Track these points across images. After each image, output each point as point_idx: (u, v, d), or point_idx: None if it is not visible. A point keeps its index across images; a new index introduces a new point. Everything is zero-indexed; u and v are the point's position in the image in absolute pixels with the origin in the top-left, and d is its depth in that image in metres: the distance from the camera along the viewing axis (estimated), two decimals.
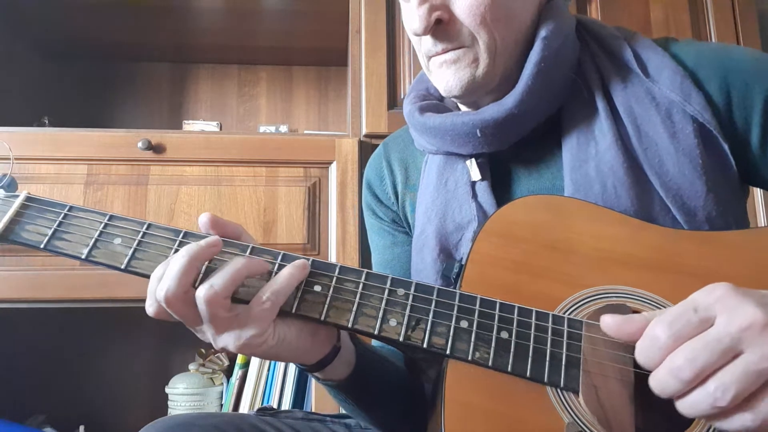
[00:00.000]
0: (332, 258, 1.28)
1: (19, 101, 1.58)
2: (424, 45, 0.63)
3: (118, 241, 0.52)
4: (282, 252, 0.53)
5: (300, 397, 1.32)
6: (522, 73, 0.61)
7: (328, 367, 0.57)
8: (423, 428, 0.59)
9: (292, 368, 1.34)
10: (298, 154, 1.31)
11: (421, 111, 0.69)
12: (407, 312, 0.49)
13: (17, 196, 0.54)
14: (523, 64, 0.62)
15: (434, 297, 0.50)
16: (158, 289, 0.48)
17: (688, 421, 0.43)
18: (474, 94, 0.64)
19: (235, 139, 1.30)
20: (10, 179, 0.55)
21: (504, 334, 0.48)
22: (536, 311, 0.49)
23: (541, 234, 0.53)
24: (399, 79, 1.39)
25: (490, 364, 0.47)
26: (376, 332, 0.49)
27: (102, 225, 0.53)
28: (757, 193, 1.44)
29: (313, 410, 1.21)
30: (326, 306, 0.50)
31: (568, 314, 0.49)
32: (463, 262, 0.54)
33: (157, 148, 1.27)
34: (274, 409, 0.71)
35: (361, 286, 0.51)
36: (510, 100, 0.61)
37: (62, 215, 0.53)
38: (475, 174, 0.66)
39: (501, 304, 0.49)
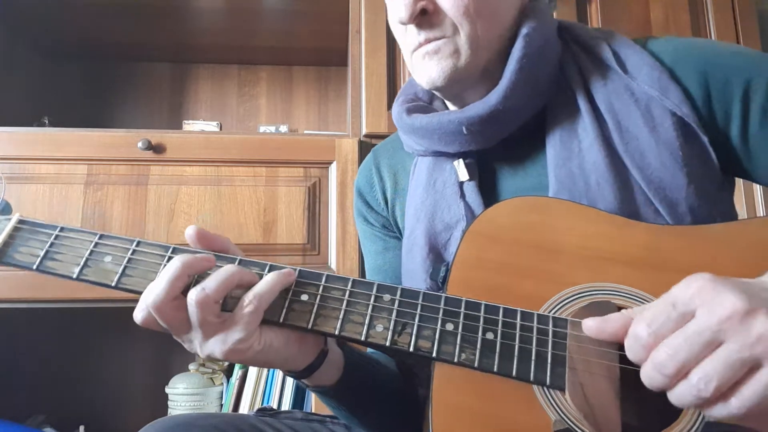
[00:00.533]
0: (332, 258, 1.28)
1: (19, 101, 1.58)
2: (408, 37, 0.64)
3: (108, 259, 0.53)
4: (269, 263, 0.53)
5: (300, 398, 1.32)
6: (505, 70, 0.62)
7: (316, 373, 0.57)
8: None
9: None
10: (298, 154, 1.31)
11: (408, 112, 0.70)
12: (393, 317, 0.50)
13: (10, 219, 0.55)
14: (506, 60, 0.63)
15: (420, 301, 0.51)
16: (148, 292, 0.49)
17: (675, 416, 0.44)
18: (456, 85, 0.64)
19: (235, 139, 1.30)
20: (4, 203, 0.57)
21: (489, 335, 0.48)
22: (521, 311, 0.49)
23: (525, 234, 0.53)
24: (399, 79, 1.39)
25: (476, 365, 0.47)
26: (363, 338, 0.50)
27: (92, 244, 0.53)
28: (757, 190, 1.44)
29: (313, 411, 1.21)
30: (313, 314, 0.51)
31: (554, 312, 0.49)
32: (449, 265, 0.54)
33: (157, 148, 1.27)
34: (273, 409, 0.71)
35: (347, 293, 0.52)
36: (494, 96, 0.62)
37: (53, 236, 0.54)
38: (463, 174, 0.66)
39: (486, 305, 0.50)
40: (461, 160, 0.67)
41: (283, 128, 1.81)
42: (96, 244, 0.53)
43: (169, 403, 1.44)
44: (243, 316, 0.49)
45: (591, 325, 0.46)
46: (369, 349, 0.72)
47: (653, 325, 0.41)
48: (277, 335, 0.52)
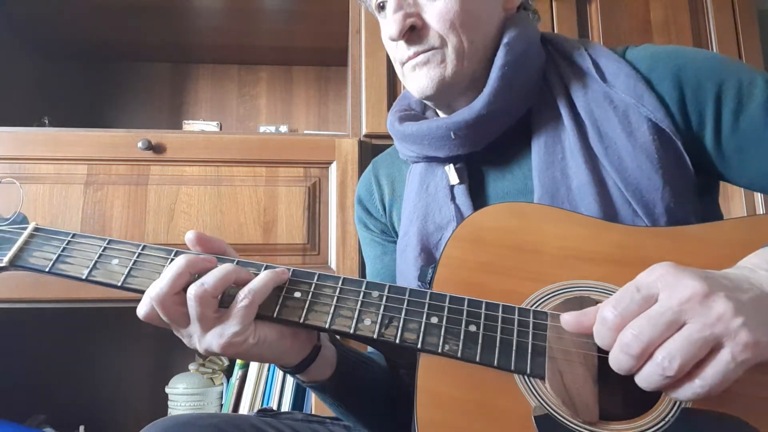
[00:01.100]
0: (332, 258, 1.28)
1: (19, 101, 1.58)
2: (399, 52, 0.68)
3: (115, 261, 0.57)
4: (265, 264, 0.57)
5: (300, 399, 1.32)
6: (489, 77, 0.66)
7: (309, 368, 0.60)
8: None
9: None
10: (298, 154, 1.31)
11: (400, 121, 0.75)
12: (381, 311, 0.53)
13: (26, 227, 0.60)
14: (491, 69, 0.66)
15: (406, 297, 0.54)
16: (152, 287, 0.52)
17: (653, 402, 0.46)
18: (445, 93, 0.68)
19: (235, 139, 1.30)
20: (22, 216, 0.62)
21: (472, 327, 0.51)
22: (503, 305, 0.52)
23: (507, 237, 0.56)
24: (399, 79, 1.38)
25: (459, 355, 0.50)
26: (351, 331, 0.53)
27: (101, 248, 0.58)
28: (757, 192, 1.44)
29: (313, 412, 1.21)
30: (305, 310, 0.54)
31: (535, 308, 0.52)
32: (435, 266, 0.57)
33: (157, 148, 1.27)
34: (274, 410, 0.72)
35: (338, 290, 0.55)
36: (478, 102, 0.66)
37: (66, 242, 0.59)
38: (453, 178, 0.70)
39: (469, 300, 0.53)
40: (452, 165, 0.71)
41: (283, 128, 1.81)
42: (104, 248, 0.58)
43: (169, 403, 1.44)
44: (238, 311, 0.52)
45: (568, 320, 0.48)
46: (369, 349, 0.74)
47: (618, 307, 0.43)
48: (271, 330, 0.55)
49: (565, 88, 0.68)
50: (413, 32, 0.65)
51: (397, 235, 0.80)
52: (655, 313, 0.41)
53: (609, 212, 0.60)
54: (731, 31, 1.50)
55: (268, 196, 1.29)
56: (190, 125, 1.80)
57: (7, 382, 1.52)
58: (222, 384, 1.46)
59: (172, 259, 0.56)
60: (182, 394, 1.41)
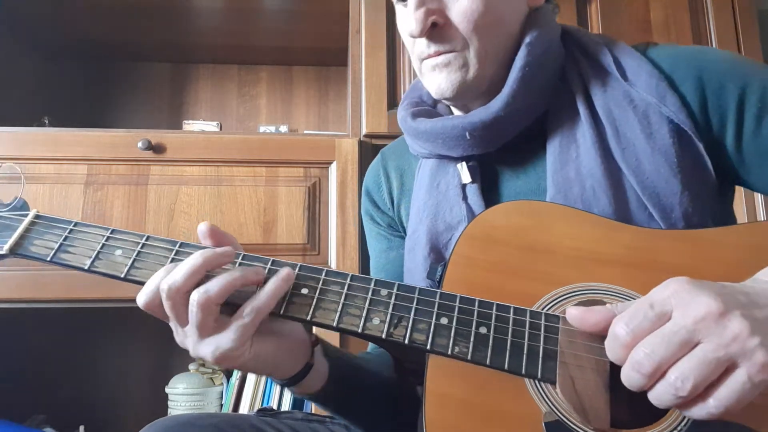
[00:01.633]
0: (332, 258, 1.28)
1: (19, 101, 1.58)
2: (417, 47, 0.66)
3: (118, 252, 0.56)
4: (271, 259, 0.55)
5: (300, 398, 1.32)
6: (508, 78, 0.64)
7: (301, 382, 0.59)
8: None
9: None
10: (298, 154, 1.31)
11: (413, 116, 0.72)
12: (390, 311, 0.52)
13: (27, 214, 0.59)
14: (510, 68, 0.64)
15: (416, 296, 0.52)
16: (165, 279, 0.50)
17: (664, 411, 0.45)
18: (464, 96, 0.66)
19: (235, 139, 1.30)
20: (22, 201, 0.60)
21: (483, 330, 0.50)
22: (514, 307, 0.51)
23: (519, 236, 0.55)
24: (399, 79, 1.39)
25: (469, 357, 0.49)
26: (359, 330, 0.51)
27: (104, 238, 0.56)
28: (758, 194, 1.44)
29: (313, 411, 1.21)
30: (312, 307, 0.53)
31: (546, 310, 0.51)
32: (445, 265, 0.56)
33: (157, 148, 1.27)
34: (274, 410, 0.72)
35: (346, 287, 0.53)
36: (497, 103, 0.64)
37: (68, 230, 0.57)
38: (466, 177, 0.68)
39: (480, 301, 0.51)
40: (464, 163, 0.68)
41: (283, 128, 1.81)
42: (108, 238, 0.56)
43: (169, 403, 1.44)
44: (239, 327, 0.50)
45: (575, 314, 0.47)
46: (367, 357, 0.72)
47: (631, 324, 0.42)
48: (267, 346, 0.53)
49: (584, 85, 0.66)
50: (435, 29, 0.62)
51: (403, 230, 0.79)
52: (668, 332, 0.40)
53: (623, 215, 0.59)
54: (731, 31, 1.50)
55: (268, 196, 1.29)
56: (190, 125, 1.80)
57: (7, 382, 1.52)
58: (222, 384, 1.46)
59: (177, 251, 0.55)
60: (182, 394, 1.41)
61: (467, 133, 0.65)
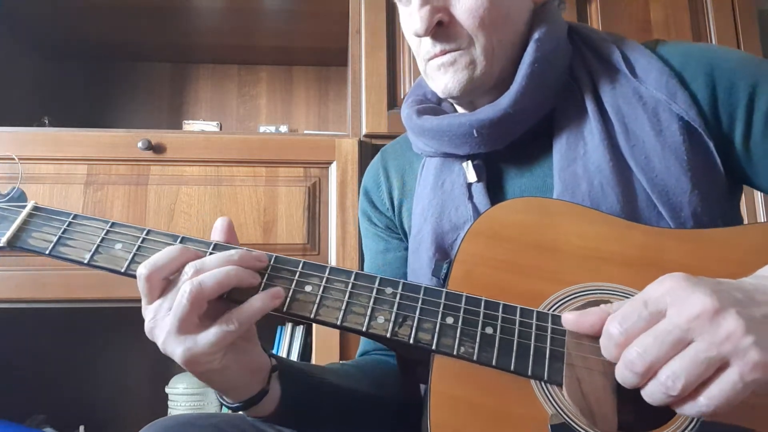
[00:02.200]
0: (332, 258, 1.28)
1: (19, 101, 1.58)
2: (423, 47, 0.65)
3: (119, 246, 0.54)
4: (274, 255, 0.54)
5: None
6: (516, 75, 0.63)
7: (252, 408, 0.56)
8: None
9: None
10: (298, 154, 1.31)
11: (418, 114, 0.70)
12: (395, 309, 0.51)
13: (25, 206, 0.57)
14: (518, 65, 0.63)
15: (421, 295, 0.52)
16: (193, 263, 0.49)
17: (673, 413, 0.44)
18: (471, 94, 0.65)
19: (235, 139, 1.30)
20: (20, 191, 0.59)
21: (489, 330, 0.49)
22: (521, 308, 0.50)
23: (526, 234, 0.54)
24: (399, 79, 1.39)
25: (474, 358, 0.48)
26: (364, 329, 0.50)
27: (104, 231, 0.55)
28: (758, 192, 1.44)
29: None
30: (316, 305, 0.52)
31: (553, 310, 0.50)
32: (451, 263, 0.55)
33: (157, 148, 1.27)
34: None
35: (350, 285, 0.52)
36: (505, 100, 0.63)
37: (67, 223, 0.56)
38: (471, 176, 0.67)
39: (486, 301, 0.51)
40: (470, 162, 0.67)
41: (283, 128, 1.81)
42: (107, 231, 0.55)
43: (169, 403, 1.44)
44: (220, 332, 0.48)
45: (570, 319, 0.47)
46: (345, 371, 0.70)
47: (624, 323, 0.42)
48: (235, 362, 0.51)
49: (593, 82, 0.65)
50: (440, 28, 0.61)
51: (403, 232, 0.78)
52: (661, 331, 0.40)
53: (632, 213, 0.58)
54: (731, 31, 1.50)
55: (268, 196, 1.28)
56: (190, 125, 1.79)
57: (7, 382, 1.52)
58: None
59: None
60: (182, 394, 1.41)
61: (475, 131, 0.64)
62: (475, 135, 0.64)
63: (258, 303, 0.50)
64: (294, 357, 1.36)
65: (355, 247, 1.28)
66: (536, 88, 0.63)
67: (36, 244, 0.55)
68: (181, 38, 1.72)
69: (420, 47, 0.65)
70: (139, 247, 0.54)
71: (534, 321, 0.49)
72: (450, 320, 0.50)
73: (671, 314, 0.40)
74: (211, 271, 0.49)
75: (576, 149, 0.63)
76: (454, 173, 0.69)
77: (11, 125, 1.27)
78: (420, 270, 0.68)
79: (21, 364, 1.57)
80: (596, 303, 0.49)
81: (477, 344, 0.49)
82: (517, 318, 0.50)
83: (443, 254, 0.66)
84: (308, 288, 0.52)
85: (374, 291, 0.52)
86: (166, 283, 0.50)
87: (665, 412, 0.44)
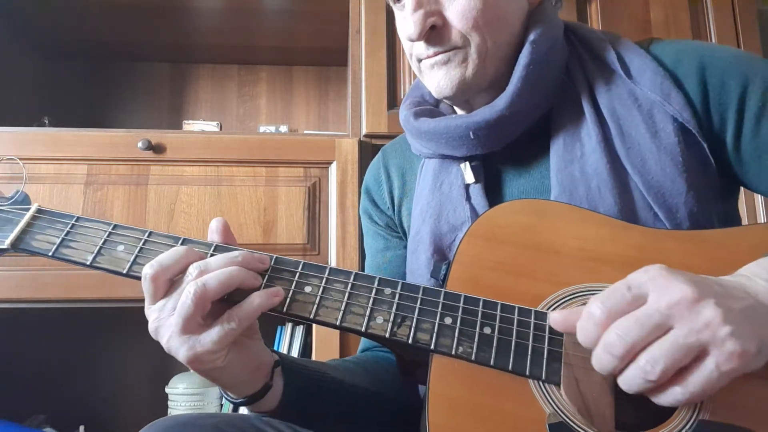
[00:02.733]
0: (332, 258, 1.28)
1: (19, 101, 1.58)
2: (416, 49, 0.65)
3: (121, 248, 0.55)
4: (275, 256, 0.55)
5: None
6: (512, 76, 0.63)
7: (256, 403, 0.57)
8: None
9: None
10: (298, 154, 1.31)
11: (416, 116, 0.71)
12: (393, 310, 0.52)
13: (29, 208, 0.58)
14: (514, 65, 0.64)
15: (420, 295, 0.52)
16: (197, 264, 0.49)
17: (670, 413, 0.45)
18: (465, 94, 0.65)
19: (235, 139, 1.30)
20: (24, 194, 0.60)
21: (487, 330, 0.50)
22: (519, 308, 0.50)
23: (524, 236, 0.55)
24: (399, 79, 1.39)
25: (473, 358, 0.48)
26: (363, 329, 0.51)
27: (106, 233, 0.56)
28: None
29: None
30: (315, 305, 0.52)
31: (551, 311, 0.50)
32: (449, 264, 0.55)
33: (157, 148, 1.27)
34: None
35: (349, 286, 0.53)
36: (501, 102, 0.63)
37: (70, 225, 0.57)
38: (469, 177, 0.67)
39: (484, 301, 0.51)
40: (467, 163, 0.68)
41: (283, 128, 1.81)
42: (110, 233, 0.56)
43: (169, 403, 1.44)
44: (223, 330, 0.49)
45: (557, 318, 0.47)
46: (346, 368, 0.70)
47: (607, 303, 0.42)
48: (238, 358, 0.52)
49: (588, 84, 0.65)
50: (433, 31, 0.62)
51: (403, 231, 0.78)
52: (642, 315, 0.40)
53: (628, 215, 0.58)
54: (731, 31, 1.50)
55: (268, 196, 1.29)
56: (190, 125, 1.79)
57: (7, 382, 1.52)
58: None
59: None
60: (182, 394, 1.41)
61: (471, 133, 0.64)
62: (472, 137, 0.65)
63: (257, 300, 0.51)
64: None
65: (355, 247, 1.28)
66: (532, 90, 0.63)
67: (39, 246, 0.56)
68: (181, 38, 1.71)
69: (413, 49, 0.66)
70: (141, 248, 0.55)
71: (532, 321, 0.50)
72: (448, 320, 0.50)
73: (652, 299, 0.41)
74: (215, 272, 0.49)
75: (573, 151, 0.63)
76: (452, 174, 0.69)
77: (11, 125, 1.27)
78: (418, 271, 0.68)
79: (21, 364, 1.57)
80: None
81: (475, 344, 0.49)
82: (515, 318, 0.50)
83: (441, 255, 0.67)
84: (308, 289, 0.53)
85: (373, 291, 0.53)
86: (170, 283, 0.50)
87: (663, 412, 0.44)
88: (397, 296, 0.52)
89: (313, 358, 1.26)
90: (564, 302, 0.51)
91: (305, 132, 1.84)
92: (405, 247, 0.77)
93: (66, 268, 1.19)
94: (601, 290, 0.51)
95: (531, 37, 0.63)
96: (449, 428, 0.46)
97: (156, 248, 0.54)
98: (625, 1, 1.49)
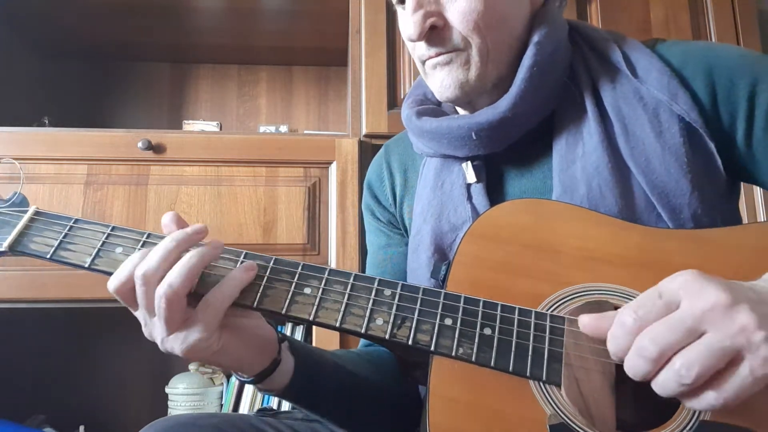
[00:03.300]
0: (332, 258, 1.28)
1: (19, 101, 1.58)
2: (418, 49, 0.65)
3: (119, 250, 0.55)
4: (244, 251, 0.55)
5: None
6: (515, 77, 0.63)
7: (266, 380, 0.57)
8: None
9: None
10: (298, 154, 1.31)
11: (418, 115, 0.70)
12: (393, 311, 0.51)
13: (27, 210, 0.58)
14: (517, 67, 0.63)
15: (420, 296, 0.52)
16: (140, 265, 0.49)
17: (671, 413, 0.44)
18: (468, 95, 0.65)
19: (235, 139, 1.30)
20: (21, 197, 0.59)
21: (487, 331, 0.49)
22: (519, 308, 0.50)
23: (525, 235, 0.54)
24: (399, 79, 1.39)
25: (473, 359, 0.48)
26: (363, 331, 0.51)
27: (105, 236, 0.56)
28: (757, 192, 1.44)
29: None
30: (315, 307, 0.52)
31: (551, 311, 0.50)
32: (449, 264, 0.55)
33: (157, 148, 1.27)
34: (274, 410, 0.71)
35: (349, 287, 0.53)
36: (504, 103, 0.63)
37: (68, 227, 0.56)
38: (471, 176, 0.67)
39: (484, 302, 0.51)
40: (469, 163, 0.68)
41: (283, 128, 1.81)
42: (108, 235, 0.56)
43: (169, 403, 1.44)
44: (204, 316, 0.50)
45: (587, 322, 0.47)
46: (346, 356, 0.71)
47: (639, 311, 0.42)
48: (236, 340, 0.53)
49: (593, 83, 0.65)
50: (434, 32, 0.61)
51: (404, 228, 0.78)
52: (674, 320, 0.40)
53: (630, 215, 0.58)
54: (731, 31, 1.50)
55: (268, 196, 1.28)
56: (190, 125, 1.79)
57: (7, 382, 1.52)
58: (222, 384, 1.46)
59: None
60: (182, 394, 1.41)
61: (473, 134, 0.64)
62: (474, 138, 0.64)
63: (233, 273, 0.51)
64: None
65: (355, 247, 1.28)
66: (535, 92, 0.62)
67: (37, 248, 0.55)
68: (181, 38, 1.71)
69: (416, 50, 0.65)
70: (139, 250, 0.54)
71: (532, 321, 0.50)
72: (448, 321, 0.50)
73: (685, 306, 0.40)
74: (176, 268, 0.49)
75: (575, 150, 0.62)
76: (454, 174, 0.69)
77: (11, 125, 1.27)
78: (419, 270, 0.68)
79: (21, 364, 1.57)
80: (595, 303, 0.50)
81: (475, 345, 0.49)
82: (516, 318, 0.50)
83: (442, 255, 0.66)
84: (307, 290, 0.53)
85: (373, 292, 0.52)
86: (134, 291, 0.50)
87: (663, 413, 0.44)
88: (396, 297, 0.52)
89: None
90: (565, 302, 0.51)
91: (305, 132, 1.84)
92: (407, 244, 0.77)
93: (65, 269, 1.18)
94: (601, 290, 0.51)
95: (535, 38, 0.63)
96: (450, 429, 0.46)
97: None
98: (625, 1, 1.49)
